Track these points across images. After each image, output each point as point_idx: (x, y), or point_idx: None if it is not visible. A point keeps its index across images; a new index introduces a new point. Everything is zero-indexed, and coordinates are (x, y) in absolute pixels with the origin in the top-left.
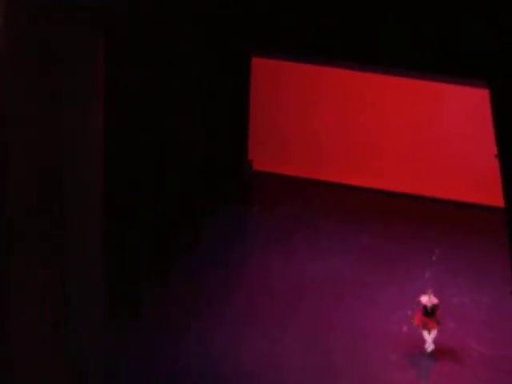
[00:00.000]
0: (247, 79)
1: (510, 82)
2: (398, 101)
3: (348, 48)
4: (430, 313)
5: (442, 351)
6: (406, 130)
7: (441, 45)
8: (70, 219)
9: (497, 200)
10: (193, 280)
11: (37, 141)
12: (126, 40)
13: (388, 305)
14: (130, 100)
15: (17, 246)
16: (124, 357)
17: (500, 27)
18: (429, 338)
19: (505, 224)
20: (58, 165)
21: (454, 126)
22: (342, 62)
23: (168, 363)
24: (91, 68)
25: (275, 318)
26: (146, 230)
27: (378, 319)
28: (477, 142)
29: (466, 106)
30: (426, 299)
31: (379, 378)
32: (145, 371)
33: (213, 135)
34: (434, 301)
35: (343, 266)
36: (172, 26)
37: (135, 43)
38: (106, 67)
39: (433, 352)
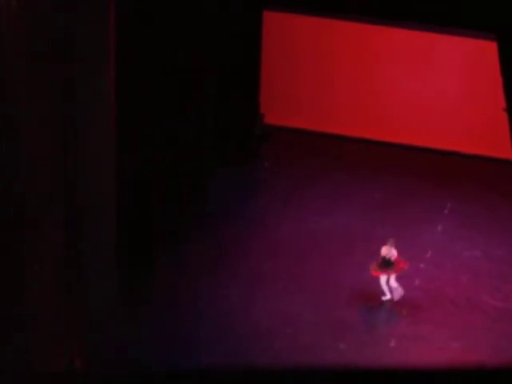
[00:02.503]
0: (259, 32)
1: None
2: (410, 55)
3: (362, 1)
4: (387, 263)
5: (455, 304)
6: (417, 83)
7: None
8: (83, 186)
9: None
10: (205, 237)
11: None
12: None
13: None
14: (141, 60)
15: (29, 226)
16: (135, 317)
17: None
18: (385, 286)
19: None
20: (71, 129)
21: (464, 81)
22: (355, 16)
23: (181, 320)
24: (102, 28)
25: (286, 275)
26: (159, 188)
27: None
28: (486, 95)
29: (477, 60)
30: (386, 250)
31: (391, 332)
32: (157, 332)
33: (225, 89)
34: (394, 253)
35: (354, 219)
36: None
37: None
38: (118, 28)
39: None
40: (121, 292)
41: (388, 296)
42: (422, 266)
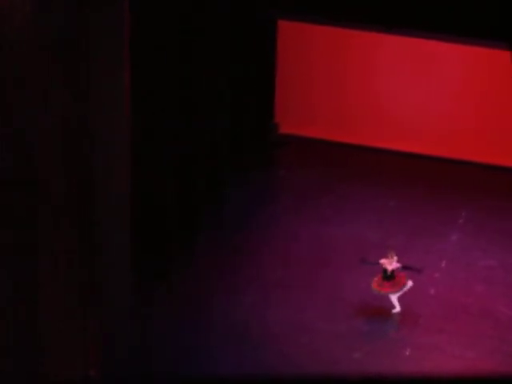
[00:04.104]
0: (274, 42)
1: None
2: (426, 65)
3: (374, 11)
4: (389, 276)
5: (469, 314)
6: (431, 92)
7: (467, 9)
8: (97, 184)
9: None
10: (219, 245)
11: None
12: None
13: (421, 269)
14: (155, 67)
15: (43, 222)
16: (150, 326)
17: None
18: (395, 300)
19: None
20: (86, 129)
21: (477, 89)
22: (368, 25)
23: (194, 327)
24: (117, 30)
25: (301, 282)
26: (173, 195)
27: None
28: (498, 103)
29: (493, 69)
30: (387, 262)
31: (407, 340)
32: (171, 339)
33: (239, 99)
34: (395, 265)
35: (368, 229)
36: None
37: (161, 6)
38: (132, 33)
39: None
40: (135, 302)
41: (398, 308)
42: (436, 275)
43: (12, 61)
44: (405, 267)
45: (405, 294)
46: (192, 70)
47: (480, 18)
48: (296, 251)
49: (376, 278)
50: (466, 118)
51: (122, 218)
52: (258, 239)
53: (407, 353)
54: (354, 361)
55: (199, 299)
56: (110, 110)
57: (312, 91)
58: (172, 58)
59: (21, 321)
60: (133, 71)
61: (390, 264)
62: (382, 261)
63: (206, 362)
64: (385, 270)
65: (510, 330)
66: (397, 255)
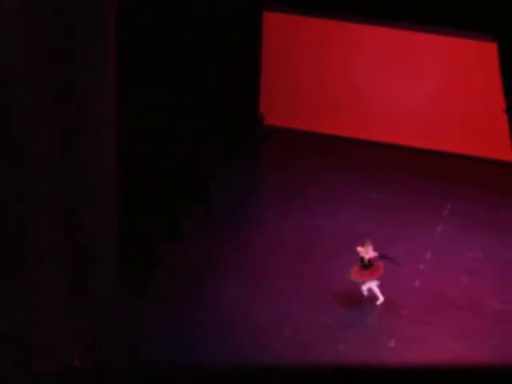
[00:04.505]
0: (259, 33)
1: None
2: (414, 57)
3: (360, 2)
4: (367, 265)
5: (455, 306)
6: (416, 84)
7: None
8: (84, 185)
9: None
10: (205, 237)
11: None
12: None
13: (398, 259)
14: (141, 58)
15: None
16: (136, 316)
17: None
18: (377, 290)
19: None
20: (72, 128)
21: (462, 80)
22: (354, 16)
23: (181, 318)
24: (102, 25)
25: (286, 274)
26: (159, 187)
27: (388, 274)
28: (484, 96)
29: (475, 61)
30: (363, 251)
31: (391, 332)
32: (157, 330)
33: (224, 90)
34: (372, 253)
35: (355, 220)
36: None
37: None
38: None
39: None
40: (122, 291)
41: (381, 299)
42: (421, 266)
43: None
44: (382, 256)
45: (390, 285)
46: (177, 62)
47: (465, 10)
48: (282, 243)
49: (354, 268)
50: (453, 110)
51: (109, 217)
52: (243, 231)
53: (392, 344)
54: (339, 352)
55: (185, 290)
56: (97, 109)
57: (297, 82)
58: (157, 51)
59: (7, 310)
60: (119, 69)
61: (367, 253)
62: (359, 249)
63: (191, 352)
64: (362, 259)
65: (496, 323)
66: (374, 244)
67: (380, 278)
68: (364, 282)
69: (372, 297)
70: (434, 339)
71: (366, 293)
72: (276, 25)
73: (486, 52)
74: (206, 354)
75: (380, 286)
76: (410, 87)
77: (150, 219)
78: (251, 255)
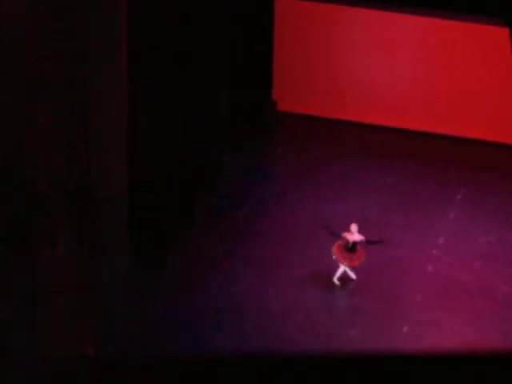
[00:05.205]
0: (271, 20)
1: None
2: (425, 42)
3: None
4: (350, 248)
5: (467, 291)
6: (431, 70)
7: None
8: (96, 174)
9: None
10: (218, 223)
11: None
12: None
13: (411, 245)
14: (152, 49)
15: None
16: (148, 303)
17: None
18: (340, 271)
19: None
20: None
21: (473, 66)
22: (367, 2)
23: (193, 306)
24: (115, 23)
25: (299, 260)
26: (172, 173)
27: (402, 259)
28: (498, 81)
29: (485, 46)
30: (348, 234)
31: (404, 317)
32: (169, 318)
33: (237, 77)
34: (358, 237)
35: (367, 205)
36: None
37: None
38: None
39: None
40: (133, 279)
41: (354, 276)
42: (434, 252)
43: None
44: (368, 242)
45: (403, 270)
46: (190, 48)
47: None
48: (295, 229)
49: (339, 243)
50: (467, 95)
51: (120, 205)
52: (256, 217)
53: (405, 330)
54: (351, 338)
55: (197, 277)
56: (108, 103)
57: (310, 69)
58: (170, 37)
59: (21, 299)
60: (130, 62)
61: (352, 235)
62: (344, 233)
63: (202, 340)
64: (347, 242)
65: (508, 308)
66: (360, 228)
67: (356, 267)
68: (338, 261)
69: (345, 277)
70: (446, 324)
71: (340, 271)
72: (288, 11)
73: (498, 37)
74: (217, 340)
75: (393, 272)
76: (424, 72)
77: (161, 206)
78: (263, 241)
